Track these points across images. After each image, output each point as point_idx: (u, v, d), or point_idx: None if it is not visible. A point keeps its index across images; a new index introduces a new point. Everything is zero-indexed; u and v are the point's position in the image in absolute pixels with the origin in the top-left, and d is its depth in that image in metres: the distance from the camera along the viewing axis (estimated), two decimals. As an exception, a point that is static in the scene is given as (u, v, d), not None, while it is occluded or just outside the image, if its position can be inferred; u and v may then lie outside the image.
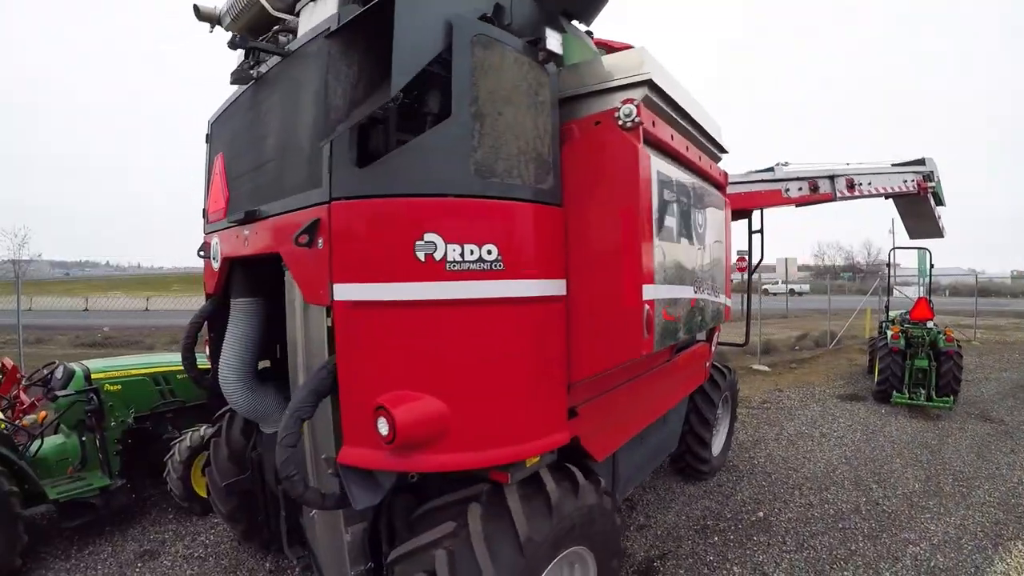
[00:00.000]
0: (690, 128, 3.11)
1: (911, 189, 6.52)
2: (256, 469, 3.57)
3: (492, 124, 2.11)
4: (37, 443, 4.04)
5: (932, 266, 9.26)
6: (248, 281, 3.15)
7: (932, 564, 3.48)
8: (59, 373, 4.29)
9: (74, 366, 4.33)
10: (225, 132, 3.17)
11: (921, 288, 9.54)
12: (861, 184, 6.20)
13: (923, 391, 7.16)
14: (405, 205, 2.02)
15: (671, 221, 2.59)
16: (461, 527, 2.10)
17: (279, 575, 3.65)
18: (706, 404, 4.61)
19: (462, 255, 2.04)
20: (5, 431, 3.83)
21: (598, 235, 2.26)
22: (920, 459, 5.36)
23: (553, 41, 2.25)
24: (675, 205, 2.60)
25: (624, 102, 2.21)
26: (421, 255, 2.02)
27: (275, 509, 3.57)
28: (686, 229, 2.84)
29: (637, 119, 2.18)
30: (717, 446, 4.94)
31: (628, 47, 3.32)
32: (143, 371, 4.63)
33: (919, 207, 6.97)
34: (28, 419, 4.55)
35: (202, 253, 3.39)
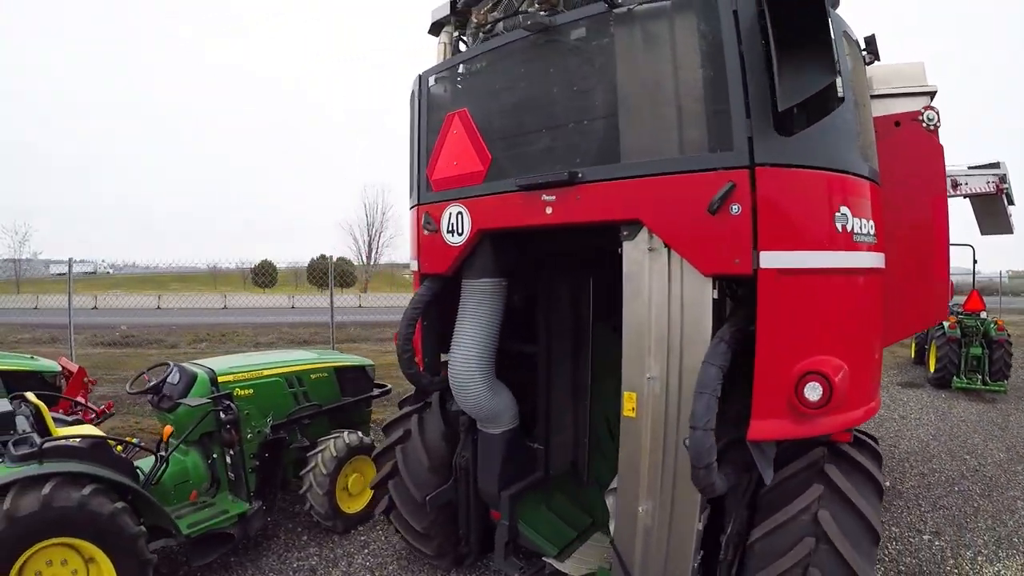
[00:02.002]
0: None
1: (991, 189, 7.18)
2: (464, 477, 3.35)
3: (860, 112, 2.41)
4: (163, 467, 3.36)
5: (976, 262, 9.57)
6: (500, 257, 2.94)
7: None
8: (174, 377, 3.67)
9: (193, 368, 3.71)
10: (469, 89, 3.01)
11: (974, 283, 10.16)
12: (961, 184, 6.78)
13: (978, 376, 8.54)
14: (825, 178, 2.21)
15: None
16: (831, 488, 2.29)
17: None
18: None
19: (860, 228, 2.29)
20: (124, 453, 3.22)
21: (908, 217, 2.68)
22: (994, 434, 6.65)
23: (873, 43, 2.66)
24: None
25: (926, 108, 2.70)
26: (839, 226, 2.22)
27: (479, 520, 3.38)
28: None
29: (939, 123, 2.69)
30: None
31: None
32: (275, 371, 4.09)
33: (994, 206, 7.24)
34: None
35: (431, 227, 3.06)
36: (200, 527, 3.22)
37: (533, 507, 3.48)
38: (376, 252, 47.37)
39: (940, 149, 2.71)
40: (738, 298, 2.39)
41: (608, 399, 3.76)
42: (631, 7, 2.36)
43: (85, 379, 4.67)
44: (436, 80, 3.22)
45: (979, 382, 8.55)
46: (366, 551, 3.89)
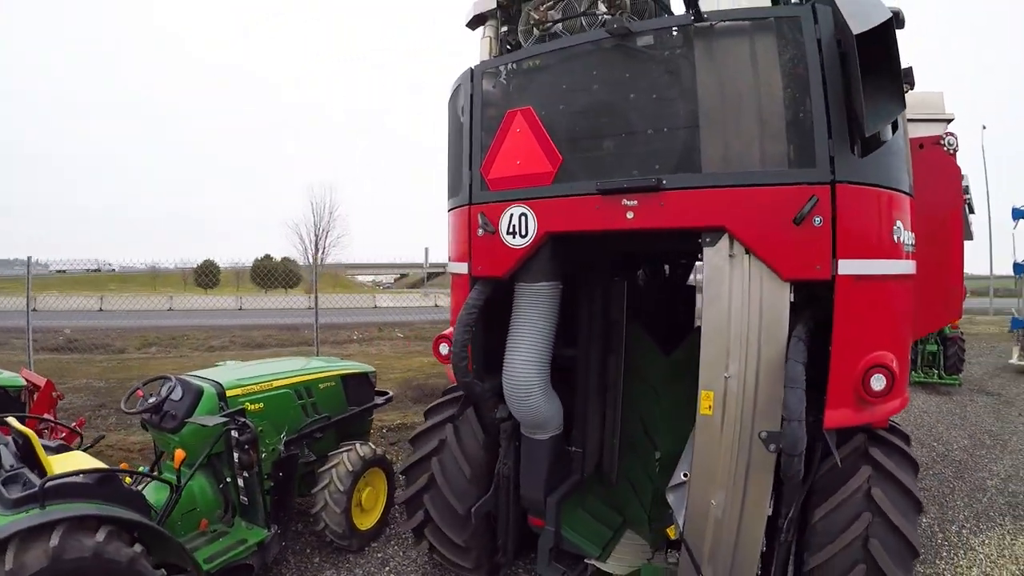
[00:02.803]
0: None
1: None
2: (505, 485, 3.38)
3: (903, 133, 2.72)
4: (177, 498, 3.08)
5: None
6: (559, 260, 3.00)
7: (1009, 489, 5.30)
8: (176, 393, 3.31)
9: (196, 382, 3.39)
10: (534, 88, 3.01)
11: None
12: None
13: (935, 371, 9.56)
14: (887, 195, 2.50)
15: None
16: (879, 469, 2.61)
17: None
18: None
19: (907, 239, 2.61)
20: (133, 484, 2.92)
21: (929, 228, 3.04)
22: (955, 423, 7.49)
23: (910, 73, 2.99)
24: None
25: (947, 134, 3.09)
26: (895, 237, 2.52)
27: (516, 528, 3.43)
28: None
29: (957, 147, 3.09)
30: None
31: None
32: (284, 382, 3.84)
33: None
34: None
35: (489, 228, 3.02)
36: (219, 561, 2.99)
37: (571, 510, 3.59)
38: (323, 252, 46.30)
39: (959, 170, 3.11)
40: (810, 301, 2.61)
41: (642, 400, 3.95)
42: (714, 22, 2.52)
43: (53, 393, 4.19)
44: (491, 75, 3.19)
45: (935, 376, 9.62)
46: (387, 568, 3.86)
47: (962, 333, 9.98)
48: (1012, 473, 5.84)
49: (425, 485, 3.39)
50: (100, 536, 2.34)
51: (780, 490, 2.65)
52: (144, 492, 3.05)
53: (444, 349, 3.46)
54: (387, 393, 4.81)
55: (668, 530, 3.14)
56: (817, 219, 2.37)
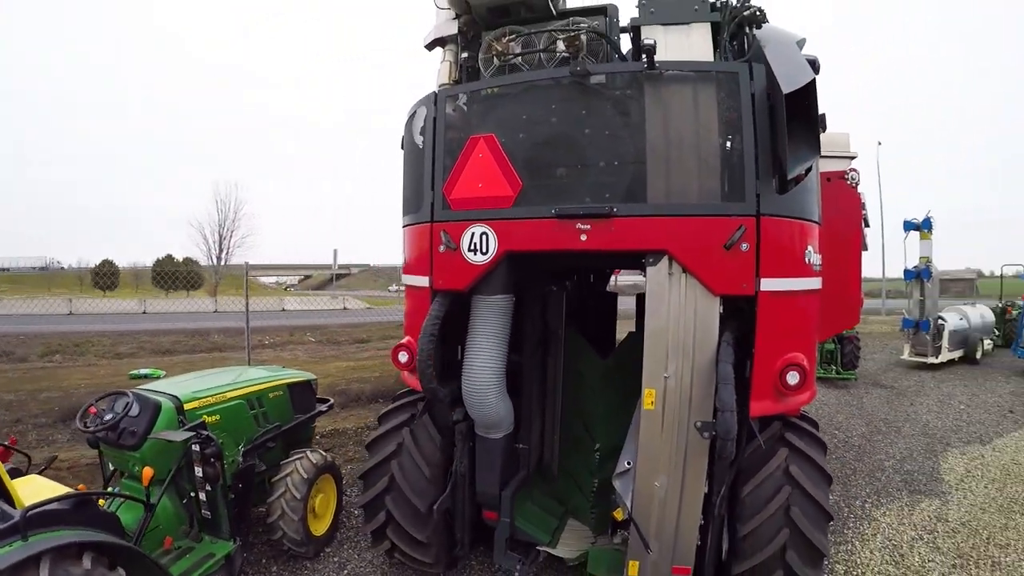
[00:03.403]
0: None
1: None
2: (462, 483, 3.64)
3: (815, 172, 3.24)
4: (149, 515, 3.08)
5: None
6: (514, 276, 3.30)
7: (905, 468, 6.13)
8: (134, 409, 3.29)
9: (152, 396, 3.39)
10: (497, 116, 3.27)
11: None
12: None
13: (832, 367, 10.68)
14: (800, 225, 2.99)
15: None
16: (794, 450, 3.12)
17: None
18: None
19: (816, 260, 3.12)
20: (106, 507, 2.91)
21: (834, 249, 3.59)
22: (853, 413, 8.40)
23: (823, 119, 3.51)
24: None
25: (850, 170, 3.66)
26: (807, 259, 3.02)
27: (471, 522, 3.73)
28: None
29: (859, 181, 3.66)
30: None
31: None
32: (237, 393, 3.87)
33: None
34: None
35: (452, 245, 3.24)
36: None
37: (521, 503, 3.91)
38: (227, 253, 44.82)
39: (860, 200, 3.70)
40: (734, 312, 3.07)
41: (581, 400, 4.33)
42: (664, 71, 2.91)
43: None
44: (453, 101, 3.40)
45: (833, 372, 10.86)
46: (345, 572, 4.02)
47: (857, 333, 11.24)
48: (906, 455, 6.81)
49: (386, 487, 3.57)
50: (86, 563, 2.32)
51: (713, 471, 3.07)
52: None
53: (403, 357, 3.65)
54: (328, 400, 4.92)
55: (615, 513, 3.53)
56: (744, 245, 2.81)
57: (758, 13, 3.17)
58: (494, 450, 3.59)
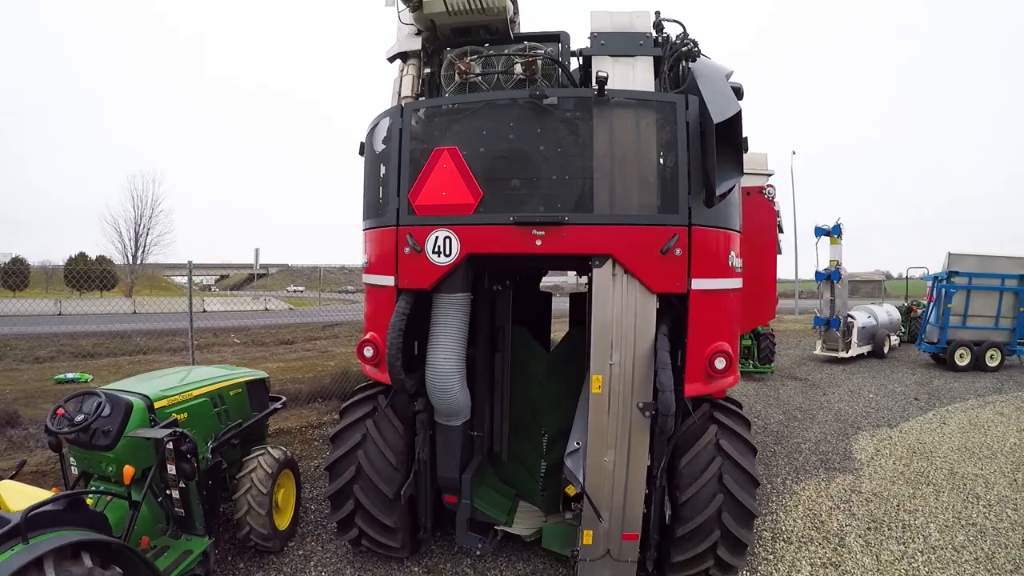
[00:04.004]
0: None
1: None
2: (424, 469, 3.92)
3: (737, 188, 3.79)
4: (135, 512, 3.16)
5: None
6: (473, 276, 3.65)
7: (820, 450, 6.88)
8: (105, 409, 3.34)
9: (122, 395, 3.45)
10: (459, 130, 3.57)
11: None
12: None
13: (750, 362, 11.57)
14: (725, 234, 3.52)
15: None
16: (723, 427, 3.63)
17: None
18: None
19: (738, 264, 3.67)
20: (93, 506, 2.95)
21: (751, 253, 4.17)
22: (771, 403, 9.19)
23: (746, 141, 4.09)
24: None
25: (767, 186, 4.26)
26: (730, 263, 3.55)
27: (431, 507, 4.02)
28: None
29: (775, 195, 4.28)
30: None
31: None
32: (202, 391, 3.97)
33: None
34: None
35: (416, 247, 3.51)
36: (174, 574, 3.10)
37: (477, 486, 4.25)
38: (144, 251, 42.61)
39: (775, 213, 4.32)
40: (669, 307, 3.54)
41: (528, 390, 4.76)
42: (612, 98, 3.34)
43: None
44: (419, 113, 3.69)
45: (751, 366, 11.86)
46: (312, 563, 4.16)
47: (773, 330, 12.42)
48: (821, 438, 7.69)
49: (353, 476, 3.79)
50: (87, 562, 2.37)
51: (653, 447, 3.50)
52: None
53: (368, 352, 3.87)
54: (280, 398, 5.04)
55: (567, 489, 3.94)
56: (678, 250, 3.30)
57: (694, 48, 3.68)
58: (454, 437, 3.89)
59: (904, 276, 23.28)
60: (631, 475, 3.44)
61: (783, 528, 4.91)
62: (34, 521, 2.36)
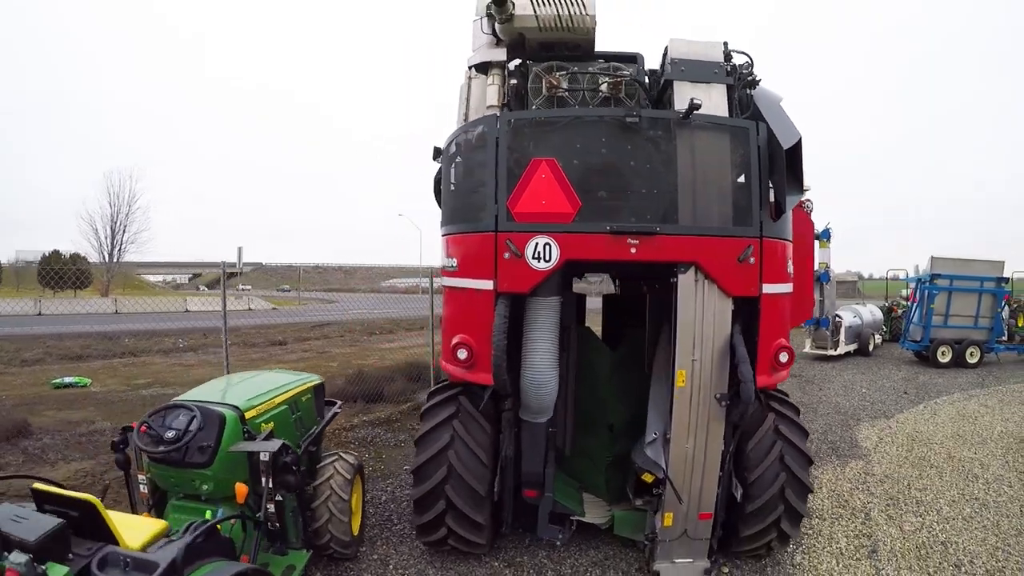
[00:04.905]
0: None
1: None
2: (509, 466, 4.25)
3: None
4: (261, 531, 3.15)
5: None
6: (568, 280, 4.07)
7: (829, 439, 7.64)
8: (199, 423, 3.16)
9: (212, 408, 3.30)
10: (554, 142, 3.89)
11: None
12: None
13: None
14: (784, 244, 4.12)
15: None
16: (779, 414, 4.25)
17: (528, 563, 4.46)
18: None
19: (791, 269, 4.29)
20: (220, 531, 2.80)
21: (795, 262, 4.78)
22: None
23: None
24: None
25: (806, 200, 4.89)
26: (787, 270, 4.17)
27: (512, 500, 4.36)
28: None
29: (812, 209, 4.92)
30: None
31: None
32: (281, 398, 3.94)
33: None
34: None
35: (516, 253, 3.80)
36: None
37: (554, 479, 4.60)
38: (120, 249, 42.30)
39: (812, 224, 4.97)
40: (738, 309, 4.01)
41: (595, 386, 5.18)
42: (694, 121, 3.85)
43: None
44: (516, 124, 3.97)
45: None
46: (391, 565, 4.31)
47: None
48: (827, 429, 8.48)
49: (444, 477, 4.00)
50: None
51: (724, 435, 4.00)
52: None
53: (463, 354, 4.05)
54: (336, 403, 4.98)
55: (644, 476, 4.30)
56: (751, 259, 3.87)
57: (756, 78, 4.27)
58: (540, 433, 4.20)
59: (884, 277, 24.85)
60: (708, 460, 3.98)
61: (813, 508, 5.56)
62: (193, 555, 2.31)
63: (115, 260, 40.73)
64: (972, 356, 14.11)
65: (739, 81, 4.21)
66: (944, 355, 14.03)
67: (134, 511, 3.30)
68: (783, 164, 3.70)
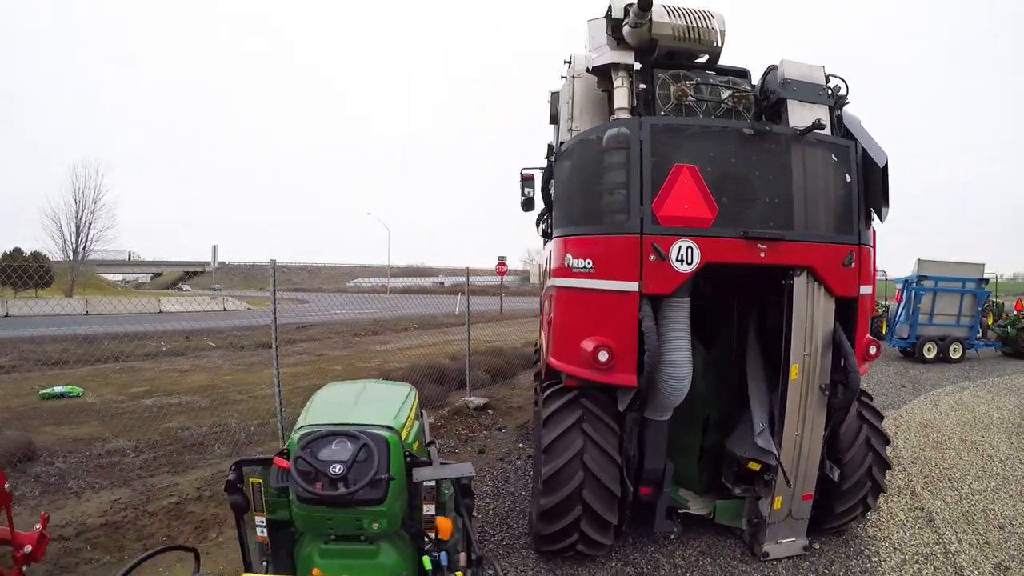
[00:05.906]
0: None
1: None
2: (630, 465, 4.44)
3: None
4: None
5: None
6: (698, 283, 4.60)
7: None
8: (363, 452, 2.65)
9: (373, 431, 2.83)
10: (691, 149, 4.31)
11: None
12: None
13: None
14: (869, 250, 4.75)
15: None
16: (859, 401, 5.03)
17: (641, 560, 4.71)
18: None
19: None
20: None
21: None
22: None
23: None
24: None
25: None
26: (871, 272, 4.90)
27: (630, 498, 4.47)
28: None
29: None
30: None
31: None
32: (411, 413, 3.70)
33: None
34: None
35: (661, 255, 4.12)
36: None
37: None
38: (86, 246, 40.88)
39: (873, 231, 5.66)
40: (837, 307, 4.70)
41: (694, 383, 5.19)
42: (808, 137, 4.46)
43: (6, 485, 2.83)
44: (660, 129, 4.22)
45: None
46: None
47: None
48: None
49: (581, 483, 4.11)
50: None
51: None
52: None
53: (604, 356, 4.07)
54: (422, 412, 4.62)
55: (751, 465, 4.74)
56: (853, 264, 4.58)
57: (848, 101, 4.96)
58: (662, 430, 4.40)
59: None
60: (812, 445, 4.63)
61: (865, 485, 6.39)
62: None
63: (80, 259, 39.14)
64: (955, 352, 15.66)
65: (836, 103, 4.91)
66: (930, 351, 15.50)
67: (245, 562, 2.92)
68: (879, 180, 4.42)
